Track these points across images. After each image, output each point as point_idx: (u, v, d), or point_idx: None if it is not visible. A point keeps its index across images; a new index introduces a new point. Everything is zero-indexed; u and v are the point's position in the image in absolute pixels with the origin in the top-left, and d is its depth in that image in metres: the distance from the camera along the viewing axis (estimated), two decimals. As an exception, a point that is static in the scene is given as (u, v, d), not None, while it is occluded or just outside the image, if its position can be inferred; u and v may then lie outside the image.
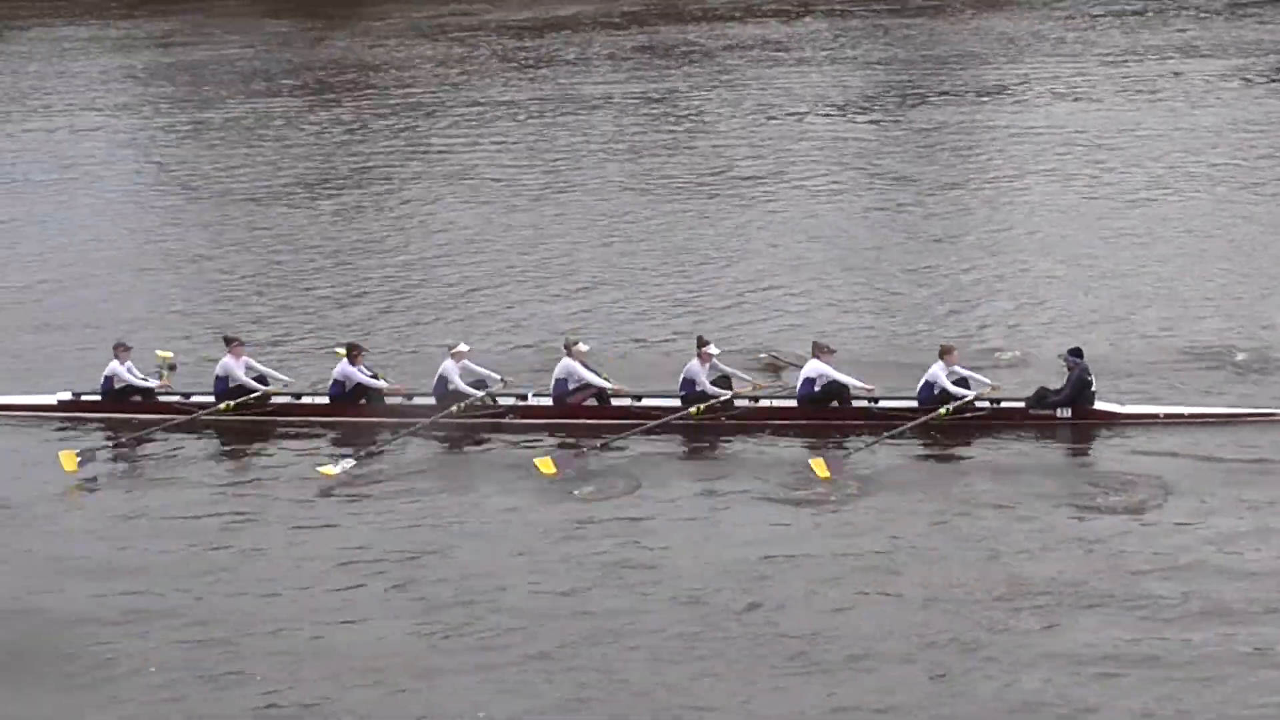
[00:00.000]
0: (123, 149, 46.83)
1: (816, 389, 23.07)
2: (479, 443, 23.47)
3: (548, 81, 53.97)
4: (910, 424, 22.26)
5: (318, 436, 23.97)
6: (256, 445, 23.83)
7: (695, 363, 23.64)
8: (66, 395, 25.22)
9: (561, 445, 22.91)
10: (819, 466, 21.14)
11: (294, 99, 53.03)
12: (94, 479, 22.91)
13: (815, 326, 27.17)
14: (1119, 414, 22.43)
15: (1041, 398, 22.50)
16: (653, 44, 60.49)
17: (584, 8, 69.63)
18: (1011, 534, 19.53)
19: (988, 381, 22.80)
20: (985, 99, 47.31)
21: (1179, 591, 17.85)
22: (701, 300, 30.03)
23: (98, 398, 24.97)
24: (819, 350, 23.21)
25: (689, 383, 23.62)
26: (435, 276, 32.42)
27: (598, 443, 22.51)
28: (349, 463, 22.41)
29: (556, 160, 42.22)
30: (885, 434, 22.06)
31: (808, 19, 64.63)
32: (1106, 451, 22.03)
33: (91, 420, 24.72)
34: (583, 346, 24.10)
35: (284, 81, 56.61)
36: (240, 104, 51.97)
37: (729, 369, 24.03)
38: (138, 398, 24.87)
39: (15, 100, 54.46)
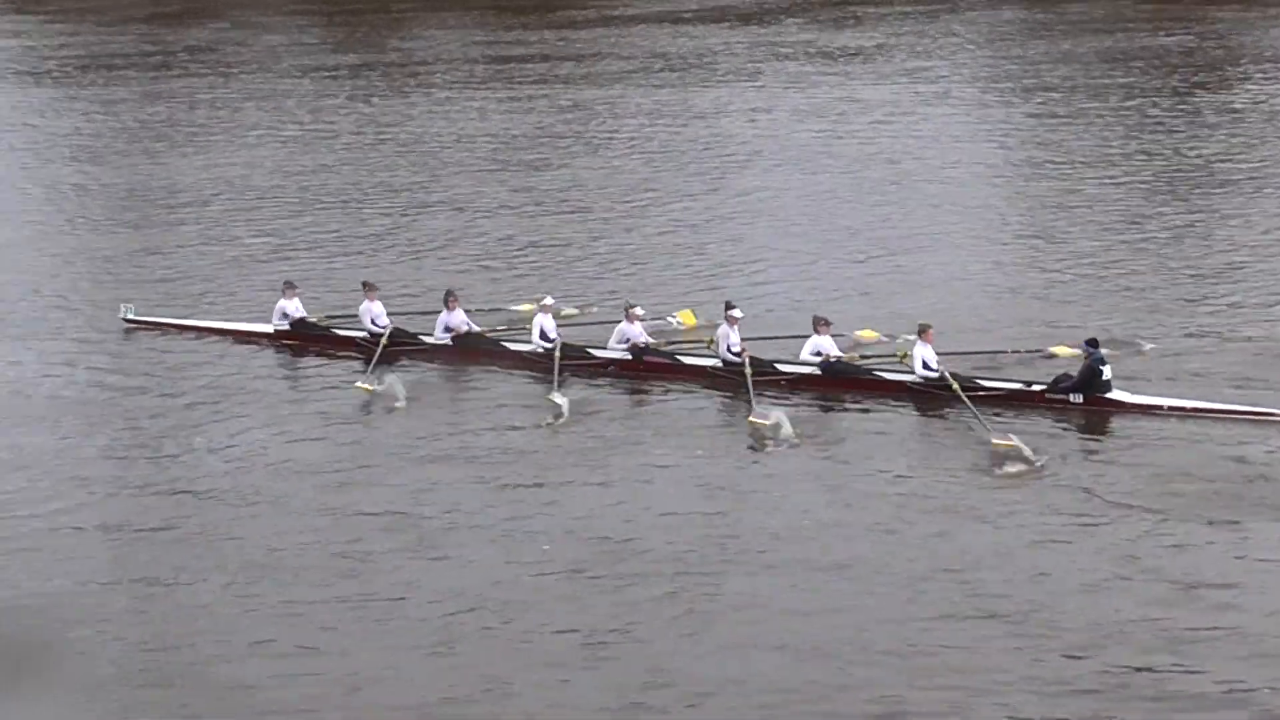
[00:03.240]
0: (1027, 133, 46.42)
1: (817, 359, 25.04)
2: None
3: None
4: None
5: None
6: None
7: (724, 326, 25.63)
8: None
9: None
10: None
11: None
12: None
13: None
14: (1126, 403, 23.44)
15: (1057, 382, 23.83)
16: None
17: None
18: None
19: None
20: None
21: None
22: None
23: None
24: (820, 324, 25.14)
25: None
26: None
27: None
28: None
29: None
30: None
31: None
32: (1105, 436, 23.07)
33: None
34: (640, 311, 26.45)
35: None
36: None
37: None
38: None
39: (950, 83, 55.25)
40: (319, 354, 28.17)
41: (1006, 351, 25.78)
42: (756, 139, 46.67)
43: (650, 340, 26.58)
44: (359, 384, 25.99)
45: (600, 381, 26.06)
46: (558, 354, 26.11)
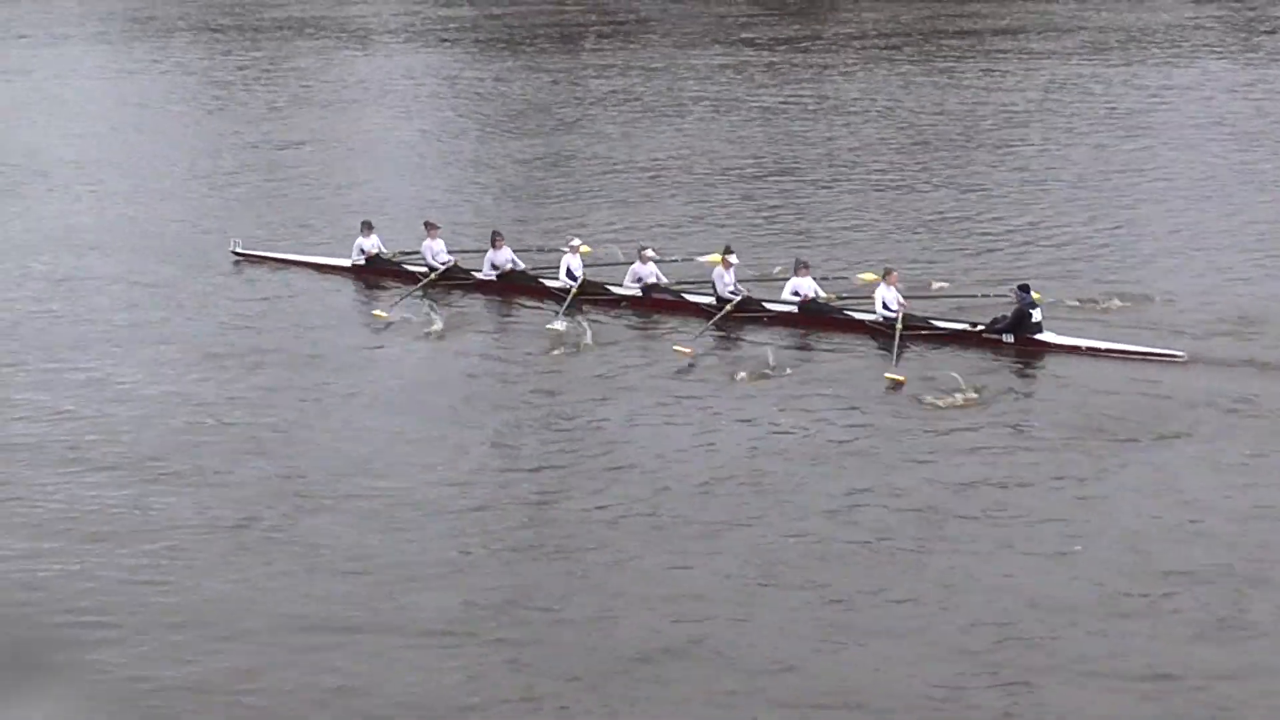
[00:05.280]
0: None
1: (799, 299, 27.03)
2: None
3: None
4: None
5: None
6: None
7: (719, 269, 27.63)
8: None
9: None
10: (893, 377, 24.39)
11: None
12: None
13: None
14: (1051, 343, 25.44)
15: (993, 323, 25.71)
16: None
17: None
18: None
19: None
20: None
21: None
22: None
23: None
24: (800, 268, 27.23)
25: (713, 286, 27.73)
26: None
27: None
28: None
29: None
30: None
31: None
32: (1032, 374, 24.73)
33: None
34: (650, 252, 28.40)
35: None
36: None
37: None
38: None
39: None
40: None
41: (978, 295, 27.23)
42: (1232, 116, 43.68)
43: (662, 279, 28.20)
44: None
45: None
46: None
